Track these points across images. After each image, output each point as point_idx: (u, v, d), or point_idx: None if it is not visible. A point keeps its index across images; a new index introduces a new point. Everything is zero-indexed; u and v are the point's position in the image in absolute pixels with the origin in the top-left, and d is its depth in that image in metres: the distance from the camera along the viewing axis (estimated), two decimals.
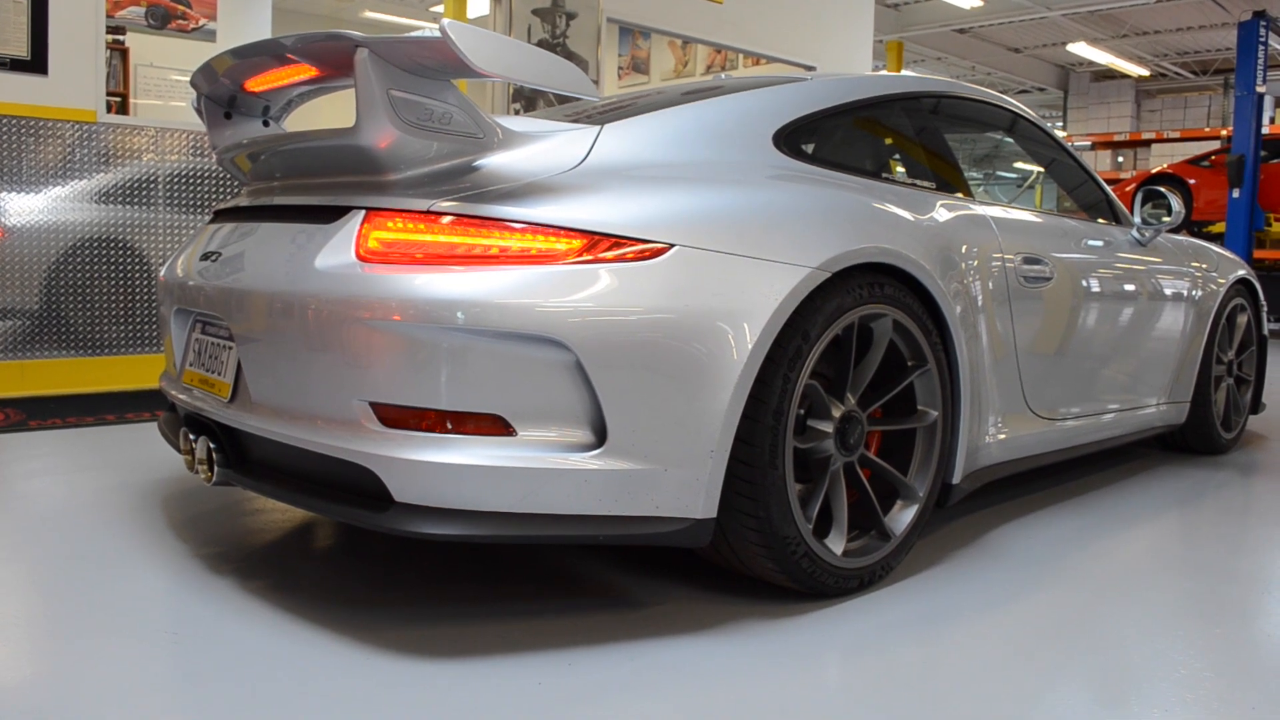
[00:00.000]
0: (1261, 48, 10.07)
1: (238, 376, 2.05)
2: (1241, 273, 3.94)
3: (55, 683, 1.59)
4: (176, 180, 4.75)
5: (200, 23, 5.23)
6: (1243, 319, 3.98)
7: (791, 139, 2.34)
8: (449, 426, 1.75)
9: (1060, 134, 3.23)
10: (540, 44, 6.60)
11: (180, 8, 5.21)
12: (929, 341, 2.27)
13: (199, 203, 4.80)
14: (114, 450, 3.29)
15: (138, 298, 4.67)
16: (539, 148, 1.98)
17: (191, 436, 2.14)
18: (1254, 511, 2.96)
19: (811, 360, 1.99)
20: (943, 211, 2.53)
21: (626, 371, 1.78)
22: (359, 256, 1.82)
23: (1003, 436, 2.60)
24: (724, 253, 1.90)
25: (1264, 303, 4.13)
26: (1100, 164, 14.60)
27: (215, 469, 2.06)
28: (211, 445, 2.08)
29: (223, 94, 2.34)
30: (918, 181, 2.71)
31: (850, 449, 2.13)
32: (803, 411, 2.07)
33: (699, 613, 1.97)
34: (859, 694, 1.59)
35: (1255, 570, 2.37)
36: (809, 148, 2.40)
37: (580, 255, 1.80)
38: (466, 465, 1.72)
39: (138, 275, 4.67)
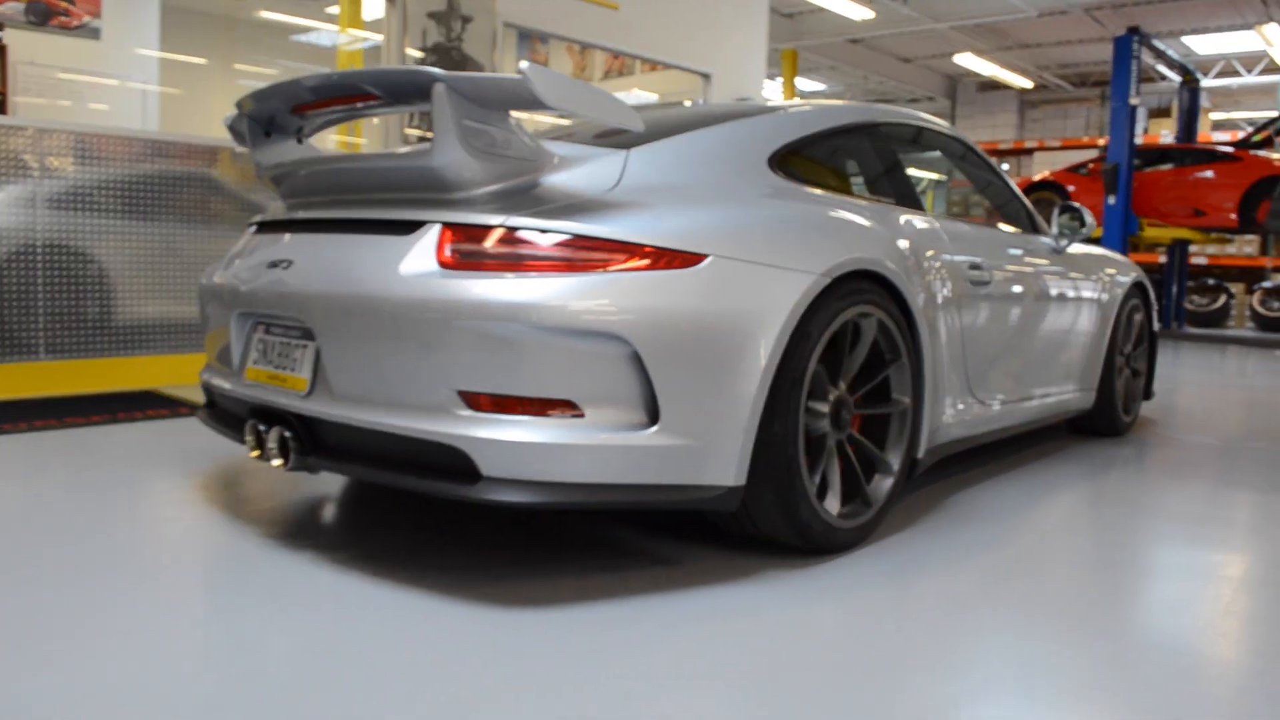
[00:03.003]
0: (1135, 62, 10.61)
1: (315, 371, 2.34)
2: (1136, 276, 4.56)
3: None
4: (57, 182, 4.56)
5: (84, 20, 5.13)
6: (1139, 318, 4.59)
7: (783, 162, 2.80)
8: (528, 410, 2.08)
9: (985, 155, 4.18)
10: (435, 47, 6.59)
11: (63, 4, 5.08)
12: (903, 337, 2.70)
13: (82, 205, 4.60)
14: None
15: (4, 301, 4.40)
16: (581, 170, 2.37)
17: (262, 428, 2.42)
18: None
19: (817, 352, 2.40)
20: (907, 225, 3.01)
21: (675, 362, 2.14)
22: (441, 264, 2.14)
23: (955, 418, 3.12)
24: (749, 261, 2.29)
25: (1154, 303, 4.74)
26: None
27: (292, 456, 2.33)
28: (287, 434, 2.34)
29: (266, 114, 2.65)
30: (883, 198, 3.16)
31: (841, 428, 2.55)
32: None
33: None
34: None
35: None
36: (797, 169, 2.85)
37: (633, 263, 2.15)
38: (543, 443, 2.05)
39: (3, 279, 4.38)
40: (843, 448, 2.58)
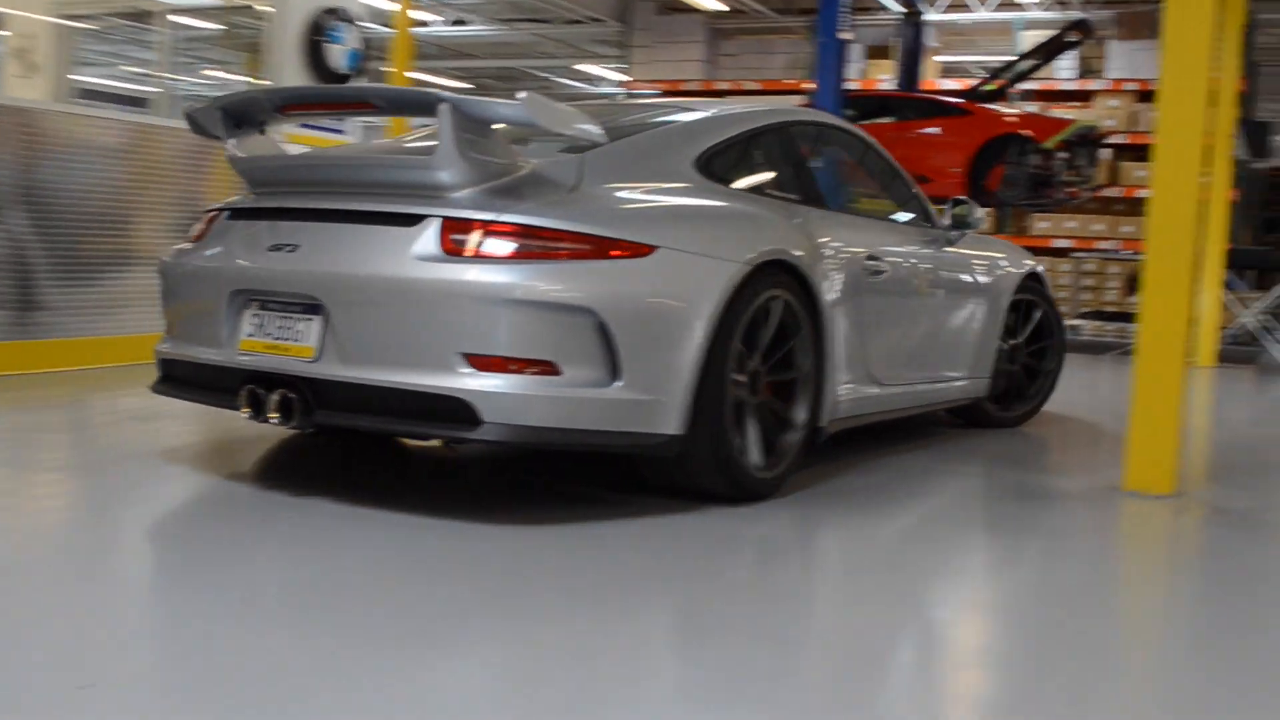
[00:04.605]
0: None
1: (323, 340, 3.53)
2: (1031, 268, 5.90)
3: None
4: None
5: None
6: (1038, 313, 5.95)
7: (708, 163, 4.15)
8: (518, 368, 3.36)
9: (884, 150, 5.42)
10: None
11: None
12: (809, 319, 4.08)
13: None
14: None
15: None
16: (546, 171, 3.70)
17: (260, 391, 3.60)
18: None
19: (742, 326, 3.74)
20: (812, 219, 4.40)
21: (633, 332, 3.48)
22: (444, 250, 3.39)
23: (855, 394, 4.49)
24: (690, 252, 3.65)
25: (1051, 294, 6.07)
26: None
27: (298, 415, 3.54)
28: (293, 395, 3.54)
29: (243, 109, 3.96)
30: (791, 194, 4.50)
31: (756, 393, 3.91)
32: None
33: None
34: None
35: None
36: (718, 169, 4.20)
37: (599, 252, 3.46)
38: (530, 395, 3.37)
39: None
40: (759, 410, 3.94)
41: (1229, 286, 11.51)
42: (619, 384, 3.46)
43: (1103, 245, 13.02)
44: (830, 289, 4.23)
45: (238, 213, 3.97)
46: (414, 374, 3.39)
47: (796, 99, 13.00)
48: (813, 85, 10.68)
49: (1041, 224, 13.27)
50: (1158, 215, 4.32)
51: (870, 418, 4.74)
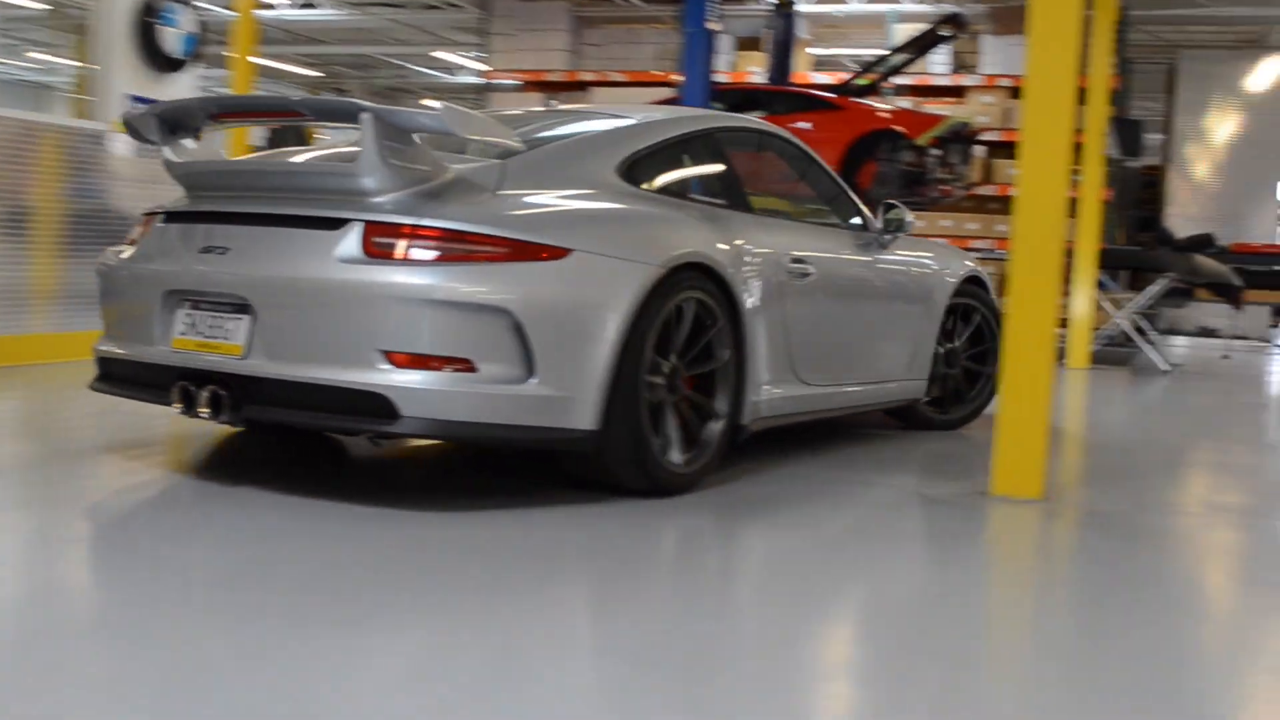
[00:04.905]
0: None
1: (251, 338, 3.91)
2: (969, 271, 6.27)
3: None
4: None
5: None
6: (976, 317, 6.31)
7: (630, 170, 4.51)
8: (435, 365, 3.74)
9: (815, 154, 5.72)
10: None
11: None
12: (726, 318, 4.44)
13: None
14: None
15: None
16: (468, 177, 4.07)
17: (192, 388, 3.96)
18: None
19: (656, 327, 4.10)
20: (735, 222, 4.77)
21: (548, 331, 3.83)
22: (366, 253, 3.77)
23: (779, 393, 4.84)
24: (604, 255, 4.02)
25: (994, 296, 6.39)
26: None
27: (227, 410, 3.91)
28: (222, 392, 3.91)
29: (178, 116, 4.38)
30: (716, 199, 4.90)
31: (675, 390, 4.27)
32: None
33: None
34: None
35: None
36: (641, 175, 4.56)
37: (516, 255, 3.83)
38: (447, 390, 3.75)
39: None
40: (677, 408, 4.30)
41: (1102, 287, 11.85)
42: (534, 380, 3.82)
43: (977, 245, 13.31)
44: (751, 291, 4.62)
45: (172, 216, 4.36)
46: (336, 370, 3.76)
47: (665, 91, 13.07)
48: (680, 77, 10.71)
49: (916, 223, 13.49)
50: (1024, 215, 4.38)
51: (798, 417, 5.15)
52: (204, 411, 3.91)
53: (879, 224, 5.71)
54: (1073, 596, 3.59)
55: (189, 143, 4.41)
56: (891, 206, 5.71)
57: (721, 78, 13.10)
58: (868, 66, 13.21)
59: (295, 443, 5.07)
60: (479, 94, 17.98)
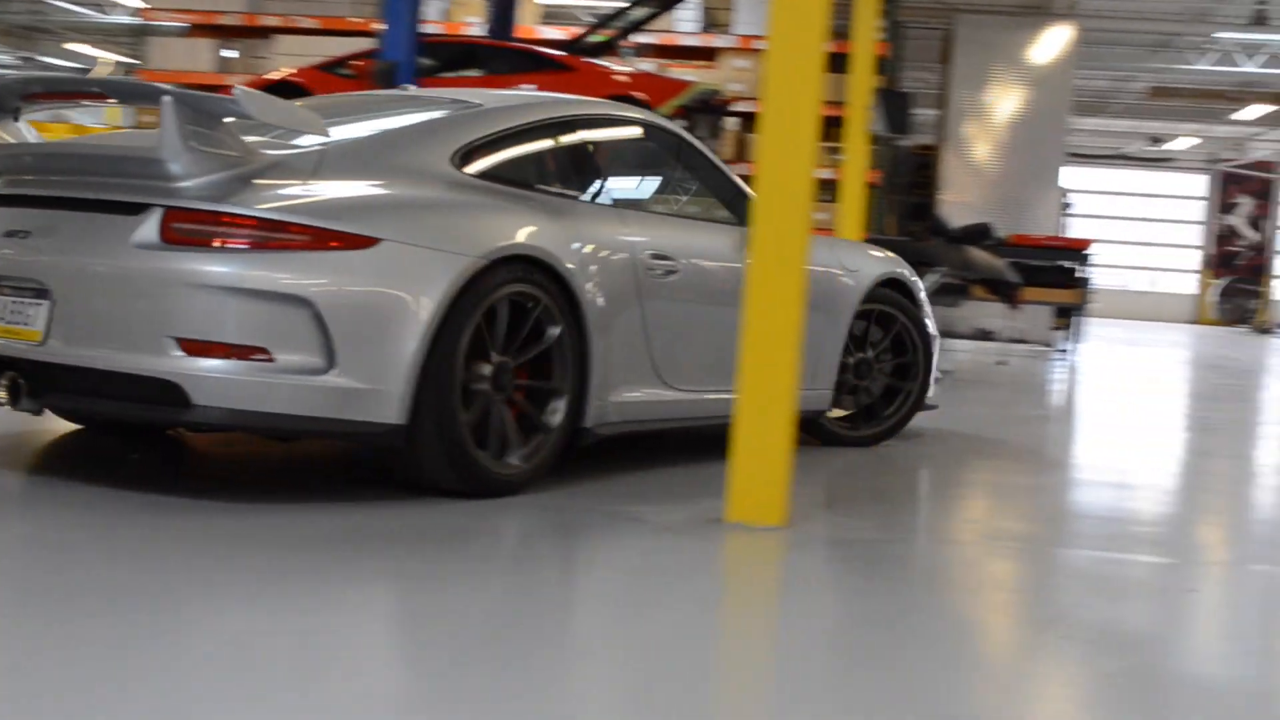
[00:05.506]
0: None
1: (49, 324, 4.26)
2: (885, 273, 6.57)
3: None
4: None
5: None
6: (896, 325, 6.62)
7: (467, 157, 4.94)
8: (229, 354, 4.09)
9: (699, 142, 6.07)
10: None
11: None
12: (563, 315, 4.79)
13: None
14: None
15: None
16: (284, 164, 4.51)
17: None
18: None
19: (473, 320, 4.45)
20: (586, 215, 5.23)
21: (350, 322, 4.21)
22: (164, 239, 4.15)
23: (637, 397, 5.21)
24: (415, 245, 4.40)
25: (923, 301, 6.77)
26: (201, 61, 14.59)
27: (25, 397, 4.32)
28: (20, 380, 4.27)
29: None
30: (568, 190, 5.36)
31: (502, 389, 4.63)
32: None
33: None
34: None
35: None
36: (480, 164, 5.00)
37: (319, 243, 4.22)
38: (240, 379, 4.10)
39: None
40: (505, 406, 4.66)
41: None
42: (335, 372, 4.17)
43: None
44: (597, 287, 4.94)
45: None
46: (129, 357, 4.14)
47: (363, 42, 12.87)
48: (382, 26, 10.57)
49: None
50: (765, 199, 4.44)
51: (663, 423, 5.59)
52: (1, 398, 4.34)
53: None
54: (795, 643, 3.51)
55: (11, 124, 4.89)
56: None
57: (431, 29, 12.99)
58: (604, 21, 13.32)
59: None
60: (135, 37, 17.40)
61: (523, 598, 3.64)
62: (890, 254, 6.95)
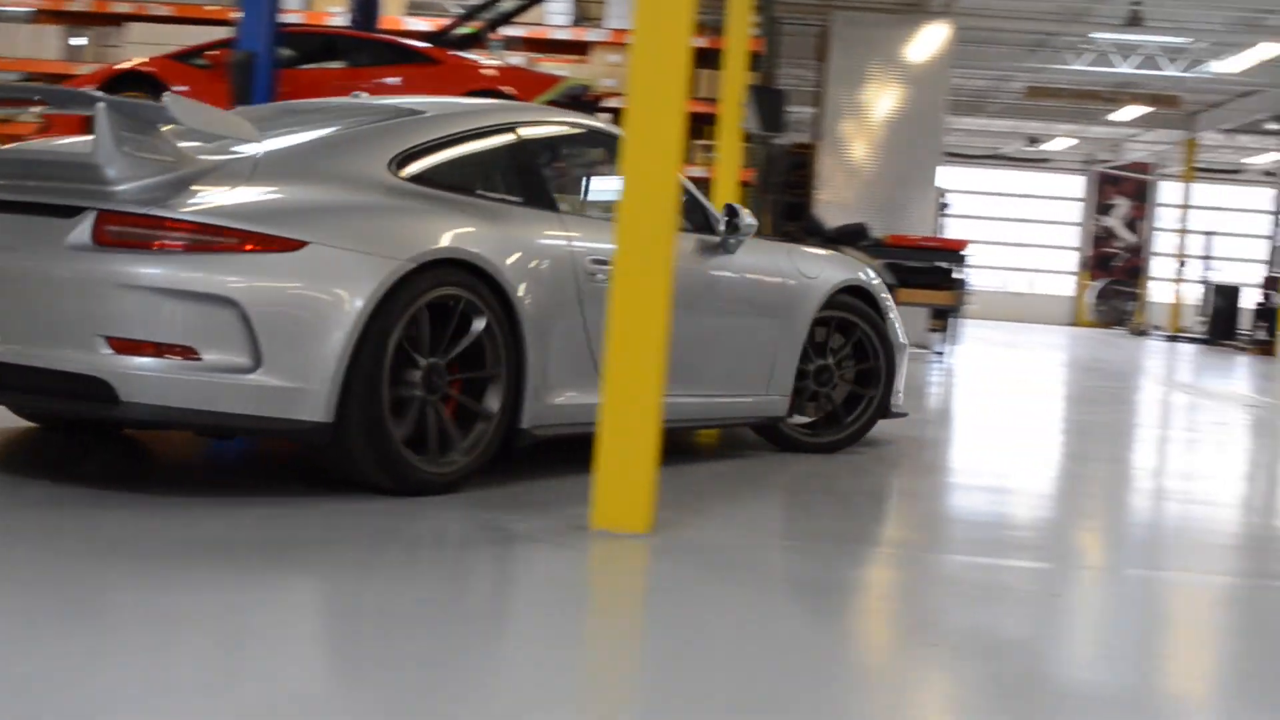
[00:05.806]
0: None
1: None
2: (847, 279, 6.76)
3: None
4: None
5: None
6: (857, 332, 6.78)
7: (405, 162, 5.19)
8: (157, 352, 4.33)
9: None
10: None
11: None
12: (496, 318, 4.98)
13: None
14: None
15: None
16: (219, 169, 4.74)
17: None
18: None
19: (402, 322, 4.66)
20: (527, 220, 5.46)
21: (276, 322, 4.42)
22: (96, 241, 4.38)
23: (581, 400, 5.32)
24: (343, 248, 4.61)
25: (888, 308, 6.95)
26: (48, 49, 14.20)
27: None
28: None
29: None
30: (509, 195, 5.60)
31: (433, 389, 4.84)
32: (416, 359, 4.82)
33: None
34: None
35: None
36: (418, 169, 5.24)
37: (247, 246, 4.44)
38: (166, 377, 4.33)
39: None
40: (437, 407, 4.85)
41: None
42: (260, 371, 4.40)
43: None
44: (535, 291, 5.12)
45: None
46: (60, 354, 4.39)
47: (219, 31, 12.58)
48: (239, 15, 10.33)
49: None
50: (630, 199, 4.41)
51: None
52: None
53: (722, 226, 6.17)
54: (651, 651, 3.48)
55: None
56: (730, 208, 6.18)
57: (292, 18, 12.73)
58: (472, 13, 13.14)
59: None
60: None
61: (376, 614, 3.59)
62: (854, 261, 7.21)
